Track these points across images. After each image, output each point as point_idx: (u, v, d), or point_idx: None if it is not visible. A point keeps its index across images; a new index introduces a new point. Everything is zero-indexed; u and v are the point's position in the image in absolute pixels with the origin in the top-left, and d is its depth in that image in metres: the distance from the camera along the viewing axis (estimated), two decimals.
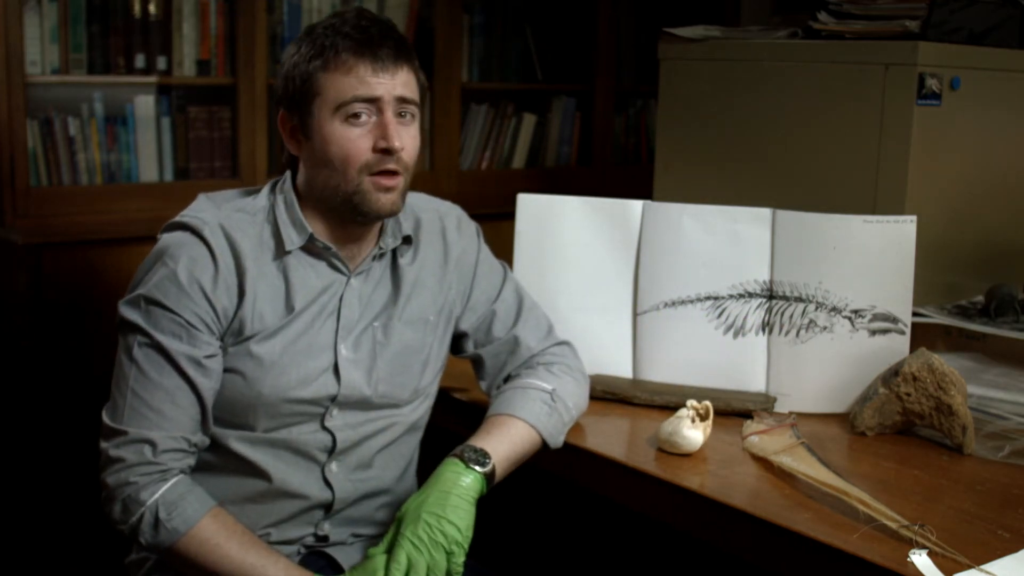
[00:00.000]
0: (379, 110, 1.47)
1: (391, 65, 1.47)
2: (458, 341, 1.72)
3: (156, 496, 1.42)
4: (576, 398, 1.67)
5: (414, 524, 1.40)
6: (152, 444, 1.44)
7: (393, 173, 1.49)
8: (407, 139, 1.49)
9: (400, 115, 1.50)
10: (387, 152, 1.47)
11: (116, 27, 2.81)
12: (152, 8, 2.85)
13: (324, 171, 1.50)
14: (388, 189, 1.49)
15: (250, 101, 2.93)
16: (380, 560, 1.41)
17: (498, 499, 1.50)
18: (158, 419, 1.45)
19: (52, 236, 2.56)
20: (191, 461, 1.49)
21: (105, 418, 1.47)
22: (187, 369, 1.46)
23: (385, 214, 1.51)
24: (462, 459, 1.47)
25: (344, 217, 1.53)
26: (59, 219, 2.68)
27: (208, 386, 1.48)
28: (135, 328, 1.47)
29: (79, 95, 2.78)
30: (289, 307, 1.52)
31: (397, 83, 1.48)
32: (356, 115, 1.47)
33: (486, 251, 1.74)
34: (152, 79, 2.87)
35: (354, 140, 1.47)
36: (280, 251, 1.52)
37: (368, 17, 1.51)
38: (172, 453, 1.45)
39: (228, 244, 1.49)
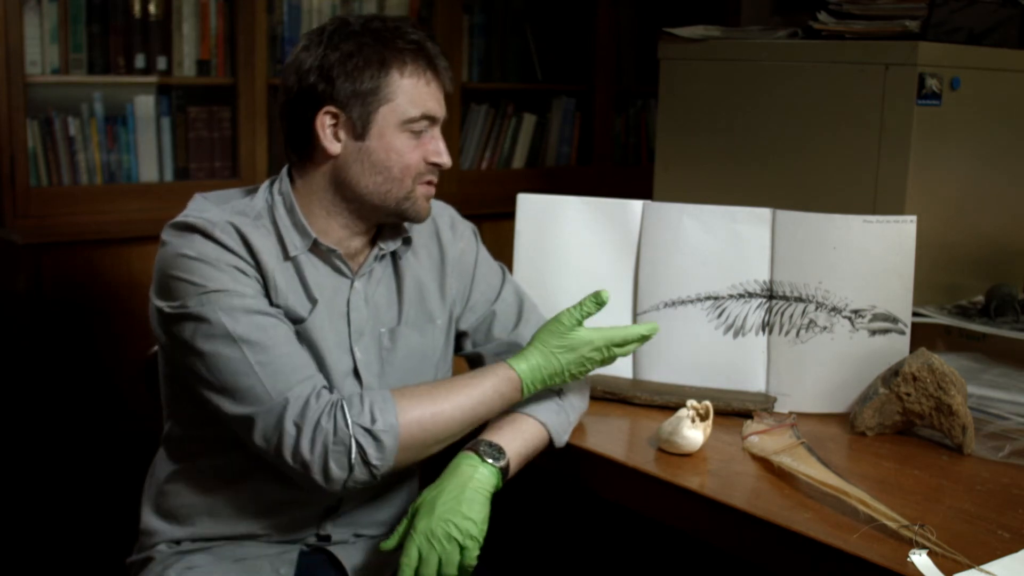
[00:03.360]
0: (432, 125, 1.54)
1: (446, 88, 1.56)
2: (457, 340, 1.72)
3: (348, 418, 1.39)
4: (579, 399, 1.67)
5: (428, 517, 1.40)
6: (313, 389, 1.41)
7: (435, 183, 1.57)
8: None
9: None
10: (437, 166, 1.55)
11: (116, 27, 2.81)
12: (152, 8, 2.85)
13: (377, 176, 1.51)
14: (429, 197, 1.57)
15: (250, 101, 2.94)
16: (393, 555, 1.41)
17: (497, 498, 1.50)
18: (296, 368, 1.42)
19: (52, 236, 2.56)
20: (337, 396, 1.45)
21: (245, 410, 1.41)
22: (273, 313, 1.45)
23: (424, 218, 1.57)
24: (477, 453, 1.47)
25: (364, 216, 1.54)
26: (59, 219, 2.68)
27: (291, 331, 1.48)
28: (211, 322, 1.41)
29: (79, 95, 2.78)
30: (311, 299, 1.51)
31: (443, 105, 1.56)
32: (421, 131, 1.52)
33: (484, 251, 1.74)
34: (152, 79, 2.87)
35: (413, 149, 1.52)
36: (285, 255, 1.51)
37: (424, 31, 1.55)
38: (326, 390, 1.43)
39: (241, 240, 1.47)
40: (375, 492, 1.62)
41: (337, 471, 1.40)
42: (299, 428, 1.39)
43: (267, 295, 1.48)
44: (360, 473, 1.40)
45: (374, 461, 1.40)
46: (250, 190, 1.58)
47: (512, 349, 1.69)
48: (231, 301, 1.42)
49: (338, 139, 1.51)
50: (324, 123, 1.50)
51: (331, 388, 1.47)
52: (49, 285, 2.52)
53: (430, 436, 1.43)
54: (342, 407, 1.40)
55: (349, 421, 1.39)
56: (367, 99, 1.49)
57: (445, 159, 1.55)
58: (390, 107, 1.49)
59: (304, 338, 1.50)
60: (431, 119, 1.53)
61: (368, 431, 1.39)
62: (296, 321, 1.50)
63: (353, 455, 1.39)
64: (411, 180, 1.52)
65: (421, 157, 1.53)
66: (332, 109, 1.49)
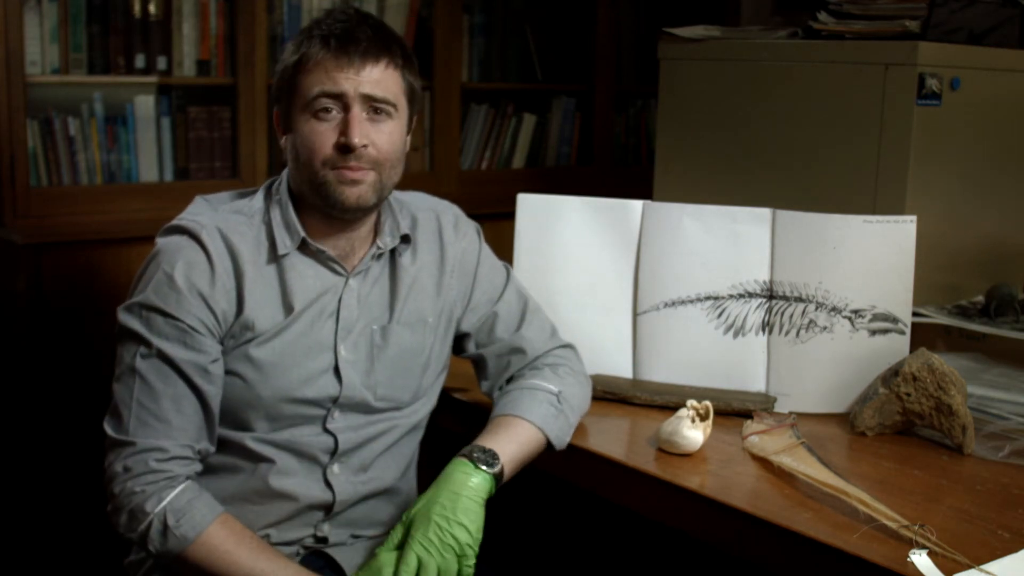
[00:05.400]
0: (345, 106, 1.48)
1: (358, 61, 1.47)
2: (459, 341, 1.72)
3: (164, 503, 1.41)
4: (580, 400, 1.67)
5: (424, 526, 1.40)
6: (159, 452, 1.43)
7: (355, 168, 1.48)
8: (376, 135, 1.49)
9: (375, 111, 1.50)
10: (346, 148, 1.47)
11: (116, 27, 2.80)
12: (152, 8, 2.85)
13: (298, 164, 1.51)
14: (353, 182, 1.49)
15: (250, 101, 2.93)
16: (387, 558, 1.40)
17: (498, 499, 1.50)
18: (165, 428, 1.44)
19: (52, 236, 2.56)
20: (197, 468, 1.48)
21: (108, 430, 1.46)
22: (193, 377, 1.45)
23: (351, 206, 1.50)
24: (471, 459, 1.47)
25: (326, 212, 1.53)
26: (59, 219, 2.67)
27: (214, 392, 1.48)
28: (136, 337, 1.46)
29: (79, 95, 2.78)
30: (287, 309, 1.52)
31: (364, 80, 1.48)
32: (325, 110, 1.48)
33: (487, 251, 1.74)
34: (152, 79, 2.87)
35: (320, 134, 1.48)
36: (275, 254, 1.52)
37: (348, 12, 1.52)
38: (179, 461, 1.45)
39: (226, 247, 1.49)
40: (372, 493, 1.62)
41: (123, 523, 1.43)
42: (127, 471, 1.43)
43: (236, 306, 1.49)
44: (137, 540, 1.44)
45: (151, 546, 1.42)
46: (249, 191, 1.60)
47: (515, 350, 1.69)
48: (172, 333, 1.45)
49: (284, 136, 1.55)
50: (277, 122, 1.56)
51: (191, 457, 1.47)
52: (49, 285, 2.52)
53: (209, 569, 1.42)
54: (170, 486, 1.42)
55: (163, 501, 1.41)
56: (283, 91, 1.52)
57: (352, 139, 1.46)
58: (298, 94, 1.50)
59: (268, 348, 1.51)
60: (331, 96, 1.47)
61: (165, 524, 1.41)
62: (261, 333, 1.50)
63: (141, 526, 1.42)
64: (320, 165, 1.48)
65: (331, 141, 1.47)
66: (276, 108, 1.55)
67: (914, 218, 1.78)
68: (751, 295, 1.83)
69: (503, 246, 1.85)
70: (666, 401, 1.79)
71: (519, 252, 1.92)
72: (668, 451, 1.61)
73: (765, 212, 1.83)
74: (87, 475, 2.54)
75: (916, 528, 1.30)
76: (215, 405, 1.48)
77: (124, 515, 1.43)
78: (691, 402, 1.64)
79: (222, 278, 1.48)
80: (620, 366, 1.90)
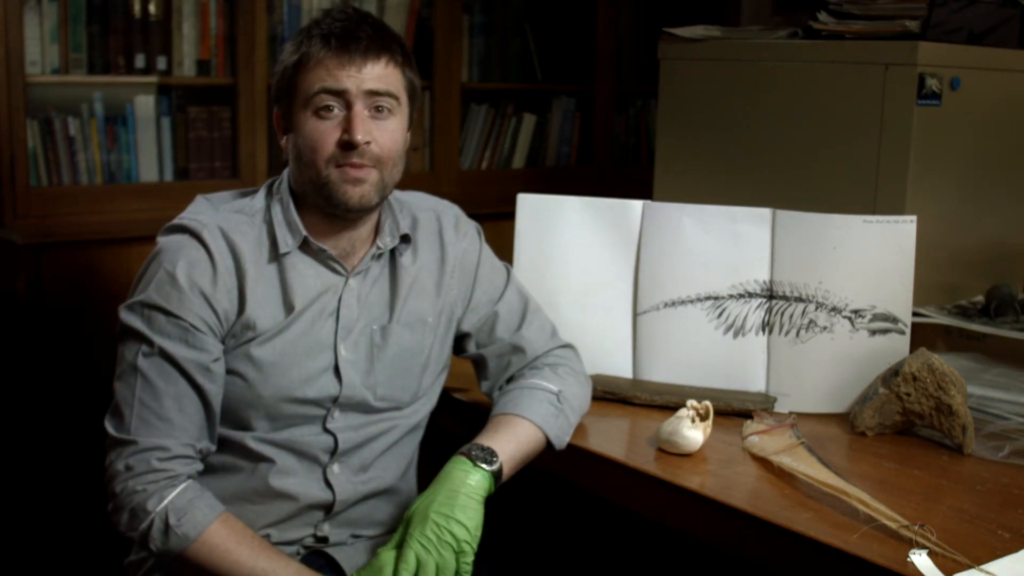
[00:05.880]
0: (347, 104, 1.48)
1: (359, 58, 1.48)
2: (460, 341, 1.72)
3: (165, 502, 1.41)
4: (580, 400, 1.67)
5: (423, 524, 1.40)
6: (161, 451, 1.43)
7: (359, 165, 1.49)
8: (378, 133, 1.49)
9: (377, 109, 1.50)
10: (349, 146, 1.47)
11: (116, 27, 2.80)
12: (152, 8, 2.85)
13: (300, 164, 1.51)
14: (356, 181, 1.49)
15: (250, 101, 2.93)
16: (387, 556, 1.40)
17: (497, 499, 1.50)
18: (167, 427, 1.44)
19: (52, 236, 2.56)
20: (198, 467, 1.48)
21: (110, 429, 1.46)
22: (195, 375, 1.45)
23: (354, 206, 1.50)
24: (469, 457, 1.47)
25: (327, 211, 1.53)
26: (59, 219, 2.67)
27: (215, 391, 1.48)
28: (138, 336, 1.46)
29: (79, 95, 2.78)
30: (288, 308, 1.52)
31: (366, 77, 1.48)
32: (327, 107, 1.48)
33: (487, 251, 1.74)
34: (152, 79, 2.87)
35: (322, 132, 1.48)
36: (276, 253, 1.52)
37: (347, 12, 1.52)
38: (180, 460, 1.45)
39: (227, 246, 1.49)
40: (372, 493, 1.62)
41: (124, 522, 1.43)
42: (128, 470, 1.42)
43: (238, 306, 1.49)
44: (138, 539, 1.43)
45: (152, 545, 1.42)
46: (250, 191, 1.61)
47: (515, 350, 1.69)
48: (174, 332, 1.45)
49: (284, 135, 1.55)
50: (277, 122, 1.56)
51: (193, 456, 1.47)
52: (49, 285, 2.52)
53: (209, 568, 1.42)
54: (172, 485, 1.42)
55: (165, 500, 1.41)
56: (283, 90, 1.52)
57: (356, 136, 1.46)
58: (299, 92, 1.50)
59: (270, 347, 1.51)
60: (333, 94, 1.47)
61: (166, 523, 1.40)
62: (262, 332, 1.50)
63: (142, 525, 1.41)
64: (323, 163, 1.48)
65: (334, 139, 1.47)
66: (276, 108, 1.55)
67: (914, 218, 1.78)
68: (751, 295, 1.83)
69: (503, 246, 1.85)
70: (666, 401, 1.79)
71: (519, 252, 1.92)
72: (668, 451, 1.61)
73: (765, 212, 1.83)
74: (87, 475, 2.54)
75: (916, 528, 1.30)
76: (216, 404, 1.48)
77: (125, 514, 1.43)
78: (691, 402, 1.64)
79: (224, 277, 1.48)
80: (620, 366, 1.90)
